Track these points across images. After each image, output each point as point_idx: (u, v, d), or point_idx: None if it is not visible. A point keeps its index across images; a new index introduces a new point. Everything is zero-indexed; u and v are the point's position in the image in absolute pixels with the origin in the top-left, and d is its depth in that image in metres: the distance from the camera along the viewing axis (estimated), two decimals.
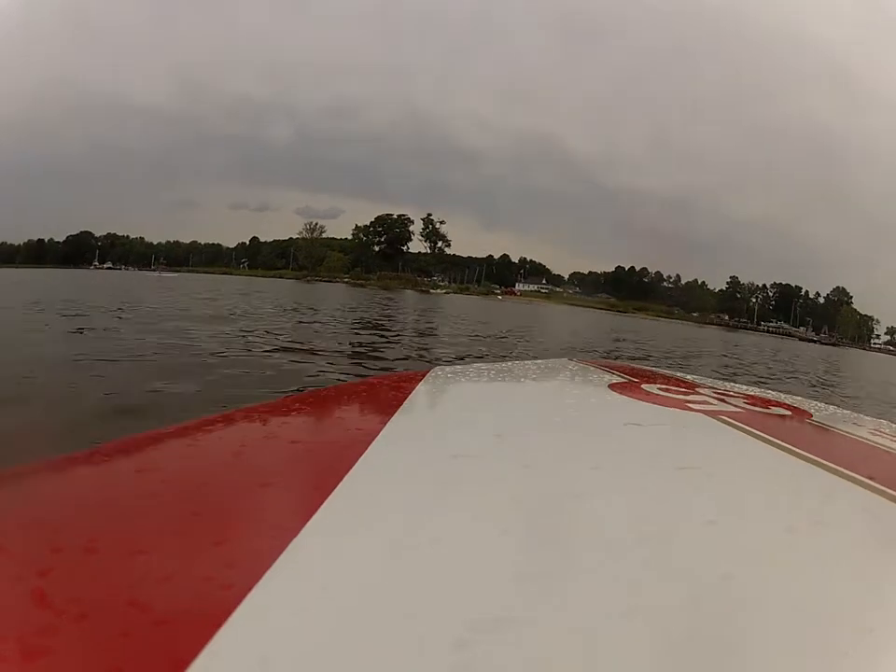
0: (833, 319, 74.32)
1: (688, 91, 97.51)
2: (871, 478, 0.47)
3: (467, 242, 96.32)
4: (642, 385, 0.92)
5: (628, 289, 77.06)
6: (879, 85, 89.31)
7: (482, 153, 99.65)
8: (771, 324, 74.53)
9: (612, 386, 0.87)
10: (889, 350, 70.12)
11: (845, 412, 1.02)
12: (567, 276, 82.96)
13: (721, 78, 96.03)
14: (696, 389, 0.92)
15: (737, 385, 1.16)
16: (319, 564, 0.31)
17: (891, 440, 0.72)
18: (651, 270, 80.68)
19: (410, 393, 0.79)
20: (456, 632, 0.26)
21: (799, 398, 1.06)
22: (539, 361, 1.35)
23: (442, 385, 0.94)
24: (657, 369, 1.31)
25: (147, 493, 0.43)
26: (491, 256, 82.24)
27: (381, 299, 27.07)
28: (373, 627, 0.26)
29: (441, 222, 75.71)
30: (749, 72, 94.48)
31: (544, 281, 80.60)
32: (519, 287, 77.55)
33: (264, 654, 0.24)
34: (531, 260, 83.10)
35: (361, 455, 0.47)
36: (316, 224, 76.64)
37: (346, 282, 63.49)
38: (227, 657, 0.24)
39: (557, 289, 78.49)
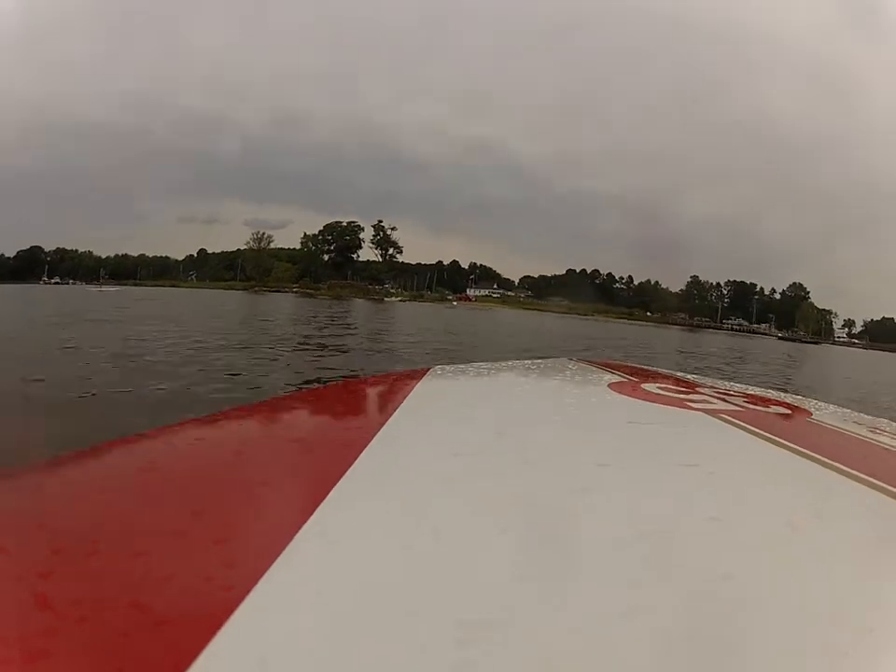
0: (793, 315, 74.45)
1: (640, 93, 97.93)
2: (871, 475, 0.47)
3: (416, 249, 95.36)
4: (642, 385, 0.92)
5: (580, 292, 76.11)
6: (836, 79, 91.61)
7: (431, 160, 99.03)
8: (733, 322, 74.17)
9: (612, 386, 0.87)
10: (854, 344, 70.44)
11: (844, 410, 1.01)
12: (517, 280, 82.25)
13: (674, 78, 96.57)
14: (696, 388, 0.92)
15: (737, 385, 1.16)
16: (319, 563, 0.31)
17: (891, 437, 0.72)
18: (603, 272, 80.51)
19: (410, 391, 0.79)
20: (457, 631, 0.26)
21: (799, 396, 1.06)
22: (539, 361, 1.34)
23: (443, 383, 0.94)
24: (657, 368, 1.30)
25: (146, 493, 0.43)
26: (441, 262, 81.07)
27: (333, 312, 24.54)
28: (373, 627, 0.26)
29: (392, 228, 73.31)
30: (701, 70, 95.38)
31: (495, 286, 79.58)
32: (470, 292, 76.03)
33: (265, 654, 0.24)
34: (481, 265, 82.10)
35: (361, 454, 0.47)
36: (264, 234, 74.07)
37: (295, 292, 60.98)
38: (227, 658, 0.24)
39: (509, 293, 77.47)
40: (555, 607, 0.28)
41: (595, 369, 1.11)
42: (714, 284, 78.28)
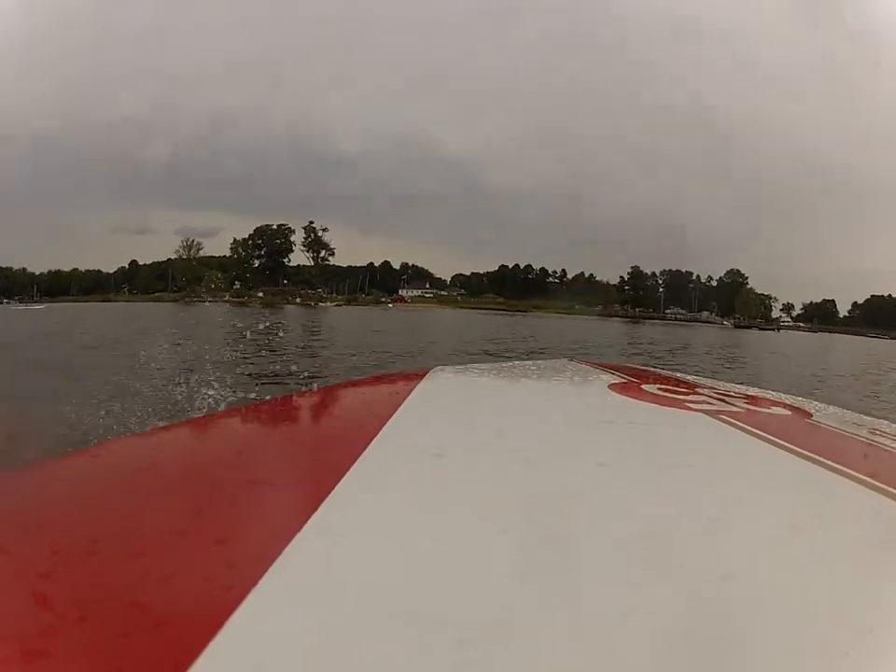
0: (733, 301, 75.37)
1: (571, 83, 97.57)
2: (871, 476, 0.47)
3: (346, 251, 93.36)
4: (642, 386, 0.92)
5: (514, 288, 76.21)
6: (775, 68, 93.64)
7: (357, 157, 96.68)
8: (675, 311, 74.87)
9: (612, 387, 0.88)
10: (801, 327, 71.72)
11: (845, 411, 1.02)
12: (449, 279, 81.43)
13: (607, 67, 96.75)
14: (696, 389, 0.93)
15: (738, 385, 1.17)
16: (319, 563, 0.31)
17: (891, 439, 0.72)
18: (536, 267, 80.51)
19: (411, 392, 0.78)
20: (457, 631, 0.26)
21: (799, 398, 1.06)
22: (539, 361, 1.35)
23: (443, 384, 0.94)
24: (657, 369, 1.34)
25: (146, 492, 0.42)
26: (372, 263, 79.43)
27: (262, 325, 22.03)
28: (374, 627, 0.26)
29: (323, 230, 70.66)
30: (634, 58, 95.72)
31: (428, 285, 78.39)
32: (403, 293, 74.30)
33: (265, 655, 0.24)
34: (413, 265, 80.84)
35: (362, 454, 0.46)
36: (193, 241, 70.27)
37: (226, 301, 58.03)
38: (227, 658, 0.24)
39: (442, 293, 76.24)
40: (556, 606, 0.28)
41: (595, 370, 1.11)
42: (650, 273, 79.33)
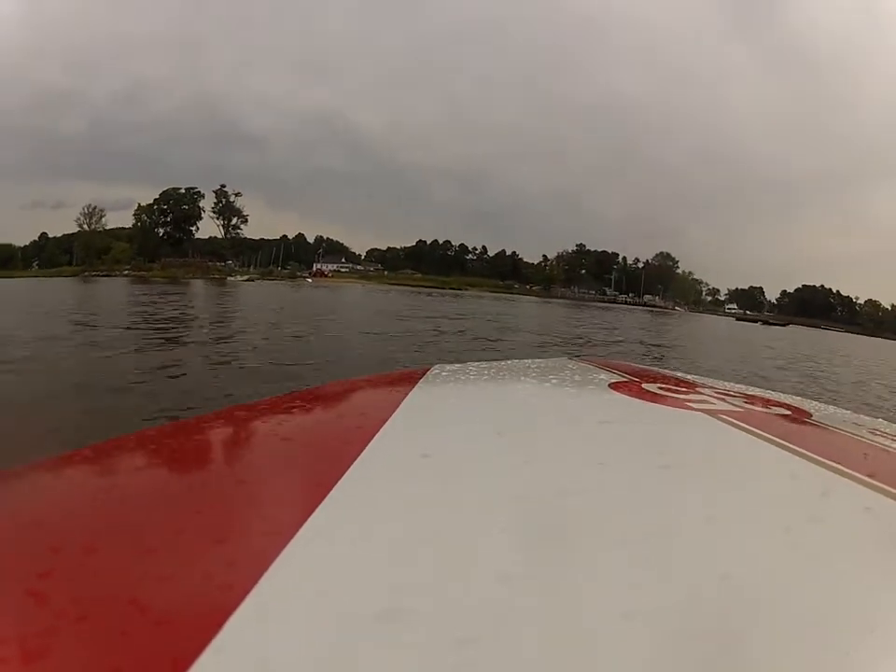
0: (665, 284, 75.49)
1: (486, 67, 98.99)
2: (871, 476, 0.47)
3: (257, 224, 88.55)
4: (643, 385, 0.92)
5: (431, 263, 73.83)
6: (687, 62, 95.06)
7: (271, 134, 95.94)
8: (611, 294, 73.30)
9: (612, 386, 0.87)
10: (746, 316, 69.43)
11: (845, 411, 1.03)
12: (364, 254, 78.91)
13: (524, 55, 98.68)
14: (696, 388, 0.93)
15: (737, 385, 1.18)
16: (319, 563, 0.31)
17: (891, 439, 0.73)
18: (455, 243, 78.65)
19: (410, 391, 0.78)
20: (457, 631, 0.26)
21: (799, 397, 1.07)
22: (539, 360, 1.34)
23: (443, 382, 0.94)
24: (657, 368, 1.34)
25: (146, 492, 0.43)
26: (285, 236, 74.96)
27: (147, 306, 17.20)
28: (374, 627, 0.26)
29: (236, 194, 64.57)
30: (550, 49, 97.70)
31: (343, 259, 75.02)
32: (317, 266, 69.90)
33: (265, 654, 0.24)
34: (328, 238, 77.42)
35: (361, 453, 0.47)
36: (94, 209, 62.82)
37: (126, 275, 51.55)
38: (228, 658, 0.24)
39: (358, 267, 73.30)
40: (555, 607, 0.28)
41: (595, 368, 1.09)
42: (570, 251, 77.91)
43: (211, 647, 0.24)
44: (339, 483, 0.40)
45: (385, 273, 71.42)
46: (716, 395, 0.85)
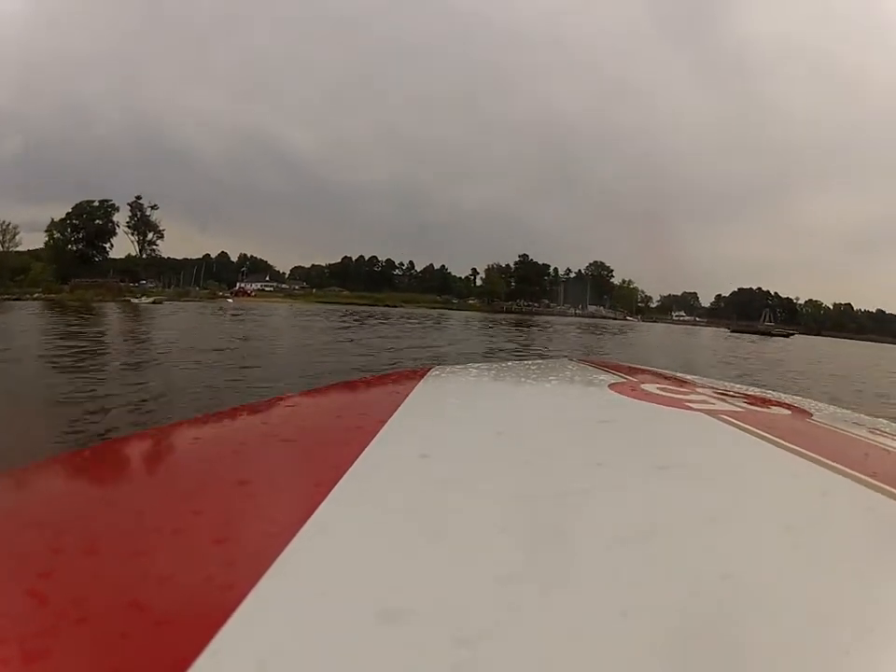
0: (609, 294, 74.62)
1: (420, 88, 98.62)
2: (871, 476, 0.47)
3: (181, 245, 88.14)
4: (642, 385, 0.92)
5: (358, 280, 71.73)
6: (626, 75, 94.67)
7: (201, 153, 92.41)
8: (556, 305, 72.04)
9: (612, 386, 0.87)
10: (697, 322, 71.13)
11: (845, 411, 1.02)
12: (288, 272, 76.11)
13: (459, 75, 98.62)
14: (696, 389, 0.93)
15: (737, 385, 1.17)
16: (319, 563, 0.31)
17: (891, 438, 0.72)
18: (381, 258, 76.40)
19: (410, 391, 0.78)
20: (457, 631, 0.26)
21: (798, 397, 1.06)
22: (539, 361, 1.36)
23: (443, 383, 0.93)
24: (657, 368, 1.33)
25: (146, 492, 0.43)
26: (208, 255, 71.74)
27: None
28: (374, 626, 0.26)
29: (152, 207, 59.98)
30: (485, 68, 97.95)
31: (267, 278, 72.37)
32: (240, 285, 67.04)
33: (265, 655, 0.24)
34: (252, 256, 74.54)
35: (361, 454, 0.47)
36: (8, 225, 57.31)
37: (36, 298, 46.79)
38: (227, 658, 0.24)
39: (283, 286, 70.71)
40: (555, 607, 0.28)
41: (594, 369, 1.10)
42: (504, 266, 76.33)
43: (210, 647, 0.24)
44: (339, 483, 0.40)
45: (313, 291, 68.57)
46: (716, 395, 0.84)
